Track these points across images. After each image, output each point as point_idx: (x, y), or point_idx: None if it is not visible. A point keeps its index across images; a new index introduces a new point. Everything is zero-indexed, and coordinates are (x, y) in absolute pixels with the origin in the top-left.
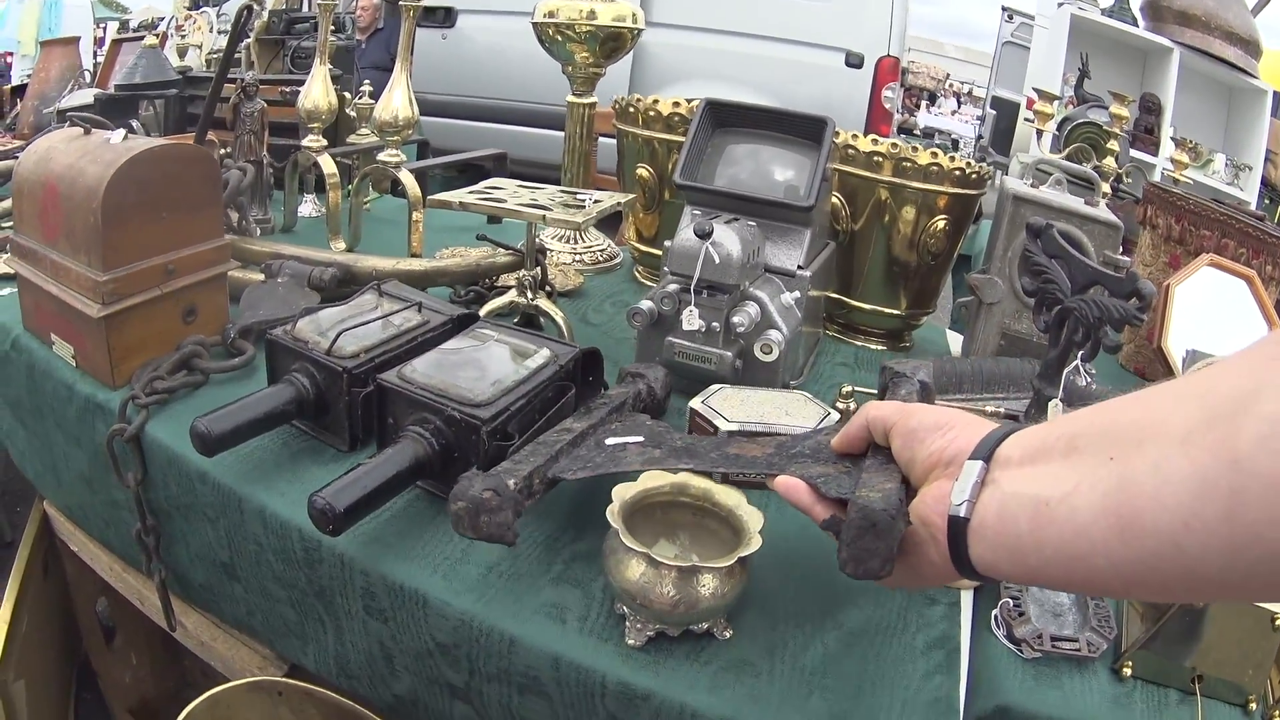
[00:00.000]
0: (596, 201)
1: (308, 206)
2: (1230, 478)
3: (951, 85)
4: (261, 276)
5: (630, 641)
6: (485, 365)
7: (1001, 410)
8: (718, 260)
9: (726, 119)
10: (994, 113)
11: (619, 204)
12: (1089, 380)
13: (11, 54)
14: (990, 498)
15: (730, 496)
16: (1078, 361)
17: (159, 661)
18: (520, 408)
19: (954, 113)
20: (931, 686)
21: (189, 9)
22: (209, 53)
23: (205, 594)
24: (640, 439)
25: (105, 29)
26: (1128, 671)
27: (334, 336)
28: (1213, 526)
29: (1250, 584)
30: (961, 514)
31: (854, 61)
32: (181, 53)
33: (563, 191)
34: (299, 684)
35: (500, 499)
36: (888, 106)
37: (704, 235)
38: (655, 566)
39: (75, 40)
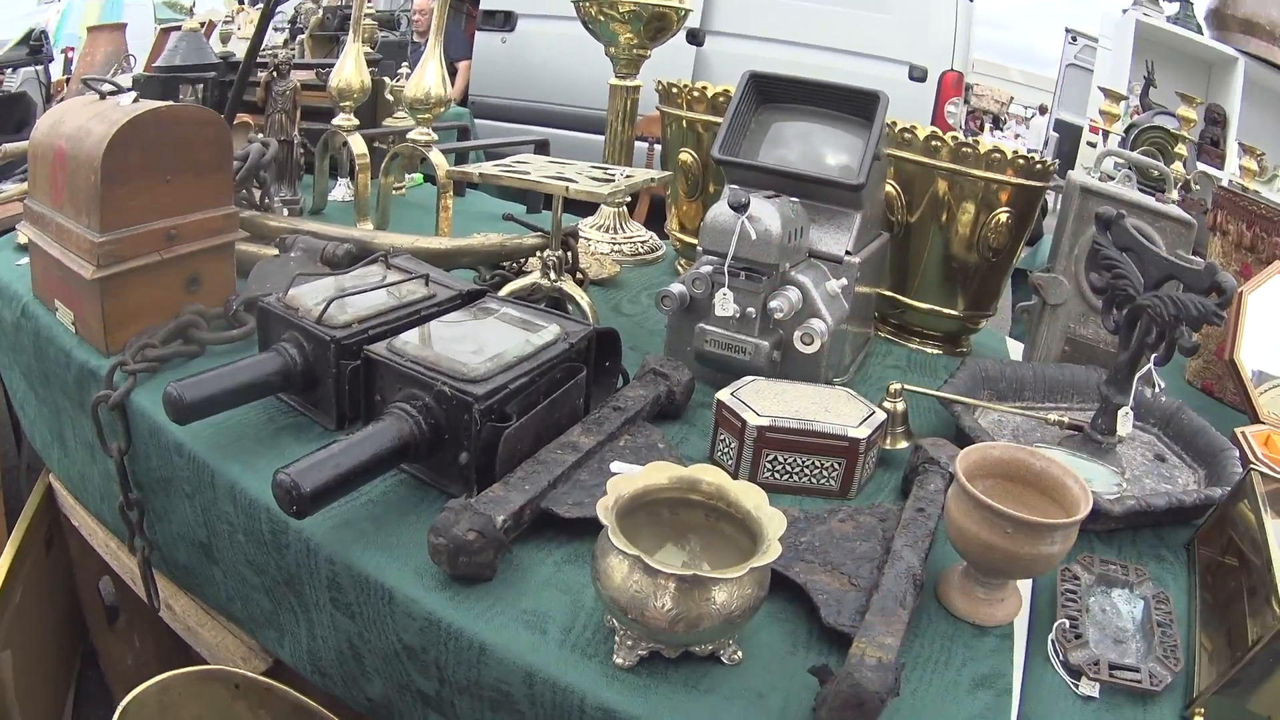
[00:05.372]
0: (628, 176)
1: (341, 190)
2: None
3: (1014, 113)
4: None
5: (618, 660)
6: (485, 339)
7: (1065, 419)
8: (754, 236)
9: (772, 94)
10: (1057, 135)
11: (652, 179)
12: (1160, 389)
13: (73, 49)
14: None
15: (749, 496)
16: (1150, 365)
17: (164, 646)
18: (521, 386)
19: (1017, 137)
20: None
21: (240, 4)
22: (285, 51)
23: (188, 576)
24: None
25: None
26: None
27: (325, 304)
28: None
29: None
30: None
31: (917, 75)
32: (225, 39)
33: (594, 166)
34: (258, 678)
35: (484, 541)
36: (951, 121)
37: (739, 208)
38: (651, 575)
39: (121, 26)
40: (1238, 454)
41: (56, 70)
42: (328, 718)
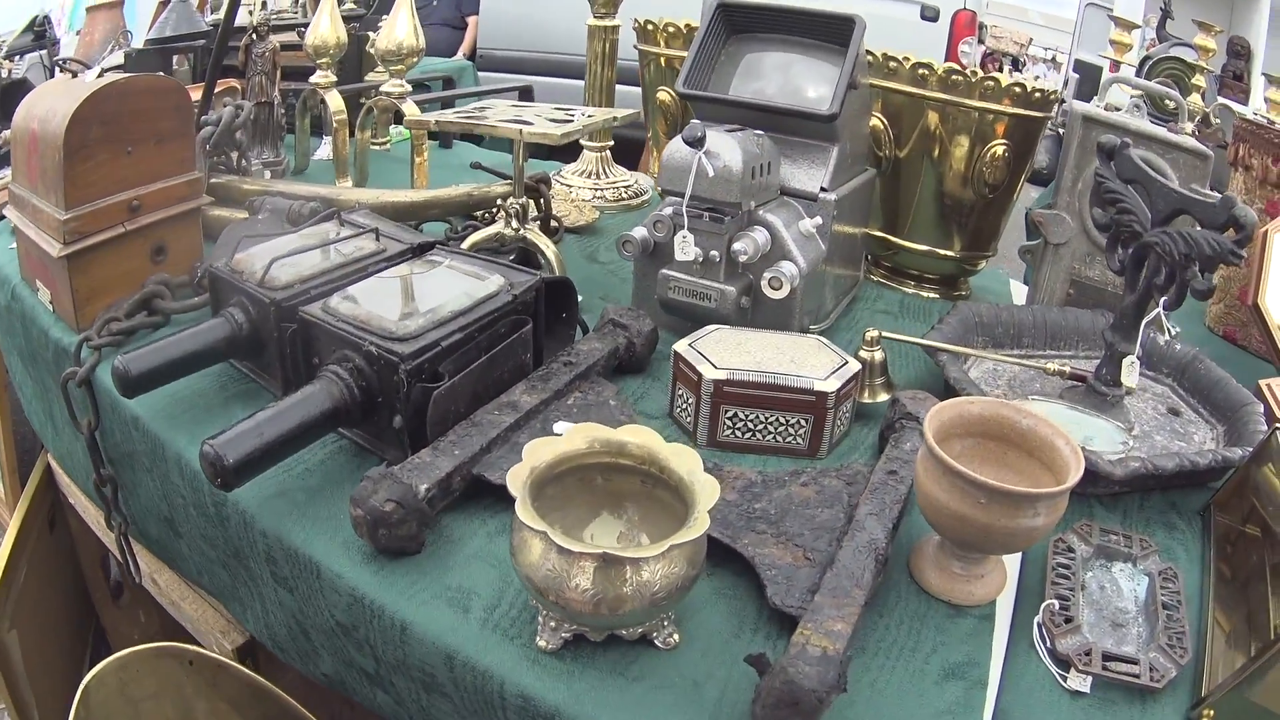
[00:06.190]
0: (588, 116)
1: (325, 149)
2: None
3: (1034, 55)
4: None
5: (541, 643)
6: (422, 294)
7: (1066, 369)
8: (713, 173)
9: (744, 24)
10: (1077, 76)
11: (614, 118)
12: (1172, 335)
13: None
14: None
15: (682, 461)
16: (1159, 310)
17: (168, 622)
18: (456, 343)
19: (1036, 79)
20: None
21: None
22: (261, 13)
23: (162, 550)
24: None
25: None
26: None
27: (268, 265)
28: None
29: None
30: None
31: (929, 15)
32: (215, 7)
33: (556, 108)
34: (209, 654)
35: (404, 512)
36: (965, 61)
37: (694, 142)
38: (563, 554)
39: (119, 3)
40: (1262, 409)
41: (70, 53)
42: (279, 696)
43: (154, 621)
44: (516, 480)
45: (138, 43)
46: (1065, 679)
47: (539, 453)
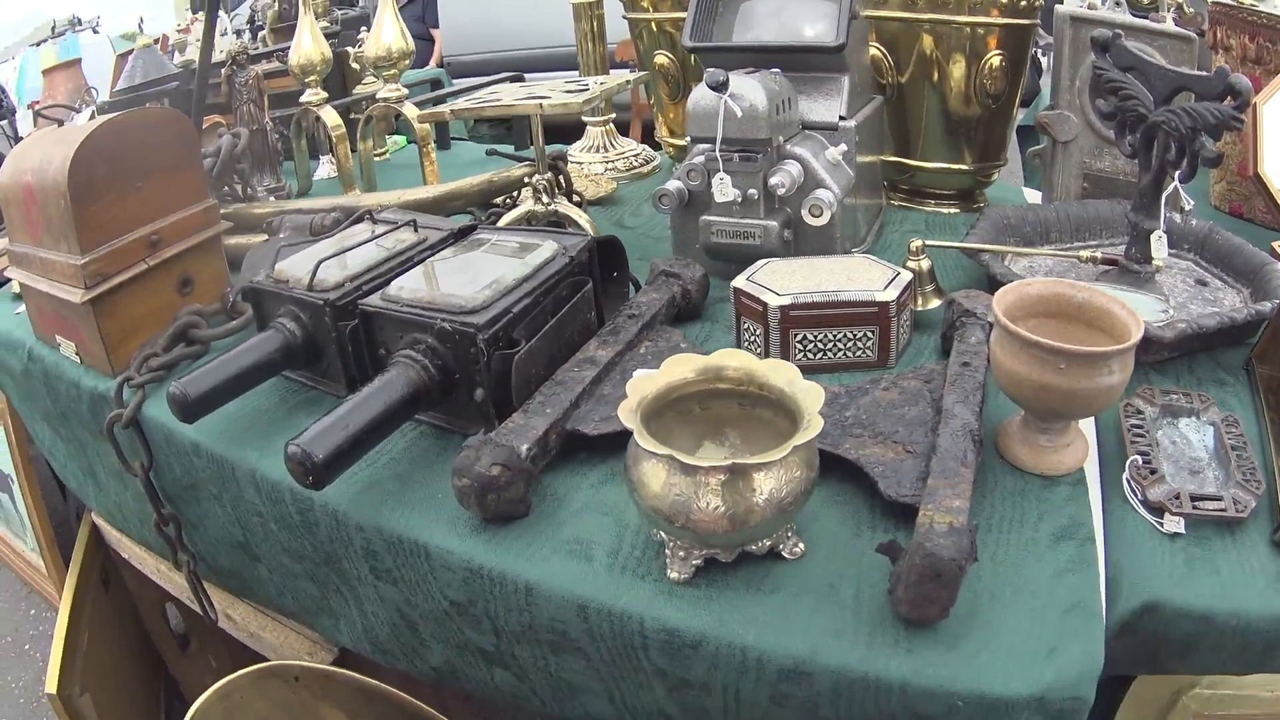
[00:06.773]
0: (601, 83)
1: (325, 168)
2: None
3: None
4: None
5: (673, 575)
6: (480, 268)
7: (1099, 255)
8: (740, 114)
9: None
10: None
11: (627, 82)
12: (1189, 207)
13: (38, 102)
14: None
15: (780, 373)
16: (1176, 184)
17: (241, 661)
18: (525, 309)
19: None
20: (1064, 590)
21: (195, 13)
22: (237, 42)
23: (236, 581)
24: None
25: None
26: None
27: (314, 269)
28: None
29: None
30: None
31: None
32: (181, 49)
33: (568, 82)
34: (315, 666)
35: (511, 473)
36: None
37: (719, 87)
38: (689, 474)
39: (76, 62)
40: (1279, 266)
41: (26, 124)
42: (392, 694)
43: (226, 666)
44: (627, 411)
45: (104, 97)
46: (1161, 525)
47: (642, 386)
